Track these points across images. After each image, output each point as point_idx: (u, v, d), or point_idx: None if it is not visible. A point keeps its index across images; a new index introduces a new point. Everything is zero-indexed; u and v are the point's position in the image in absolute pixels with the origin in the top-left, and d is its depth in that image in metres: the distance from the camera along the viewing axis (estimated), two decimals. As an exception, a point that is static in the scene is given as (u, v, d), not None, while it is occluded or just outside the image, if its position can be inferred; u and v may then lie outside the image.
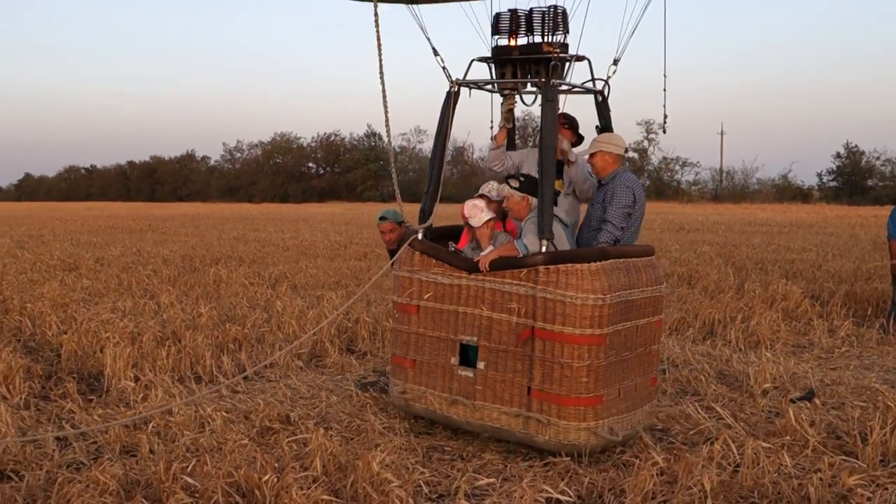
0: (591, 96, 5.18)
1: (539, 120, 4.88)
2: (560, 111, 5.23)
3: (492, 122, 5.47)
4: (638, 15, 4.88)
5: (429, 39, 5.18)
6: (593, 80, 5.11)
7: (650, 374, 4.91)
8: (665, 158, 65.28)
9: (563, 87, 5.02)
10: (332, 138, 76.27)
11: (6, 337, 7.47)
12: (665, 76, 5.17)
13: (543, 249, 4.50)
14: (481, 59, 5.05)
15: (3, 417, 4.96)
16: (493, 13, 5.05)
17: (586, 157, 5.09)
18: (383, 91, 4.83)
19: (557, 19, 4.87)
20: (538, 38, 4.90)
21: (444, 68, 5.06)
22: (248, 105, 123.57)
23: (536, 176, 4.69)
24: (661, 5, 4.91)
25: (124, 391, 5.74)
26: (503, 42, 4.99)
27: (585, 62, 5.04)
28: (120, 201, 74.35)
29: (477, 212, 4.99)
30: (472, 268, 4.72)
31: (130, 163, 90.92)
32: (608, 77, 5.10)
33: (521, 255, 4.57)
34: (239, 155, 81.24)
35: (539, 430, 4.48)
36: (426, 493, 4.05)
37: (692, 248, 15.71)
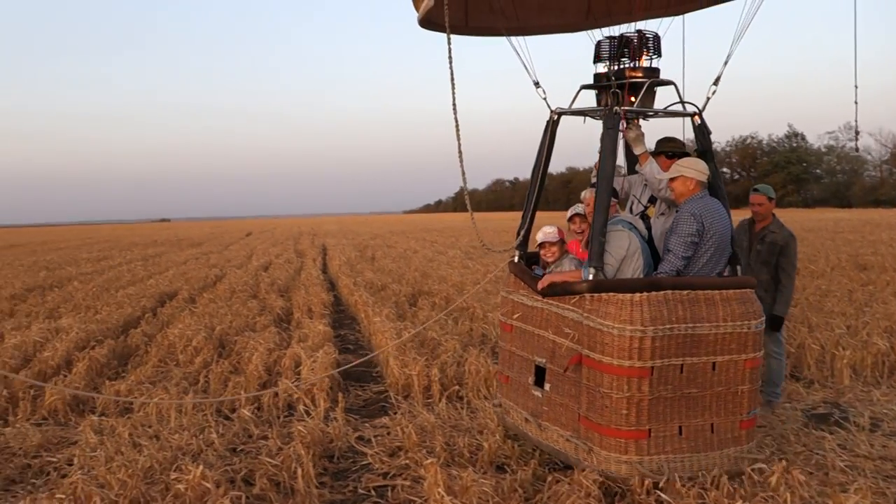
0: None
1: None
2: (665, 136, 5.30)
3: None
4: (739, 34, 4.73)
5: (527, 69, 5.15)
6: (682, 103, 4.95)
7: (738, 418, 4.51)
8: None
9: (650, 114, 5.02)
10: (749, 141, 73.06)
11: (476, 342, 8.74)
12: (856, 86, 4.79)
13: (590, 277, 4.48)
14: (586, 87, 5.11)
15: (489, 413, 5.89)
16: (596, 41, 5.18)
17: (667, 180, 4.89)
18: (456, 125, 4.89)
19: (648, 45, 4.92)
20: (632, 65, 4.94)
21: (544, 99, 5.11)
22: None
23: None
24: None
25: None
26: (602, 69, 5.08)
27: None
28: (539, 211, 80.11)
29: (539, 234, 5.29)
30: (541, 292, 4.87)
31: (549, 175, 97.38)
32: (708, 98, 4.86)
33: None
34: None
35: (586, 457, 4.46)
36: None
37: None
